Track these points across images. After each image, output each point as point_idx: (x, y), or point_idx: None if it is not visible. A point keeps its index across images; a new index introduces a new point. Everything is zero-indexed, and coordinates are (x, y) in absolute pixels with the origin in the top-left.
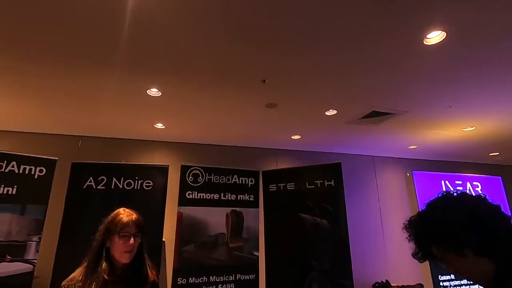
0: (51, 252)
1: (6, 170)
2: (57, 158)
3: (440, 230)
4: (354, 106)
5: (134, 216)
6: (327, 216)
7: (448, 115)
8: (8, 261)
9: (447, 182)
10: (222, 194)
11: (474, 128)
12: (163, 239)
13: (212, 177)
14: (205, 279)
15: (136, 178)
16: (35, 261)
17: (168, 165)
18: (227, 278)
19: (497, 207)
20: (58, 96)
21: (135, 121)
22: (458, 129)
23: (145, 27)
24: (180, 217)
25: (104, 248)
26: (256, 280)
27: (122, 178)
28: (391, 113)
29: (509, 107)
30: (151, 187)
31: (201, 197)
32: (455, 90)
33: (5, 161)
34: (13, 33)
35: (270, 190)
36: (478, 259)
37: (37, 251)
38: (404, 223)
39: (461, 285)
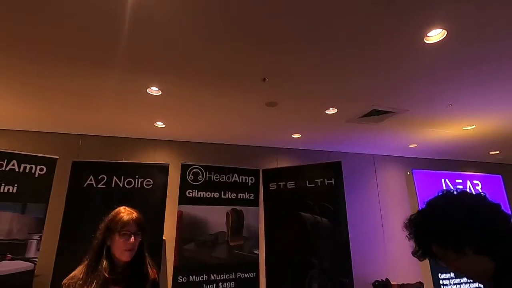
0: (51, 250)
1: (7, 169)
2: (57, 157)
3: (440, 228)
4: (355, 105)
5: (134, 214)
6: (327, 215)
7: (448, 113)
8: (9, 260)
9: (447, 180)
10: (222, 192)
11: (474, 126)
12: (164, 238)
13: (213, 176)
14: (206, 278)
15: (137, 176)
16: (36, 259)
17: (169, 164)
18: (227, 277)
19: (497, 206)
20: (58, 95)
21: (135, 120)
22: (458, 127)
23: (145, 26)
24: (180, 216)
25: (105, 246)
26: (256, 278)
27: (123, 177)
28: (391, 112)
29: (509, 106)
30: (151, 185)
31: (201, 196)
32: (455, 88)
33: (6, 160)
34: (13, 33)
35: (270, 188)
36: (478, 257)
37: (38, 250)
38: (404, 222)
39: (461, 283)
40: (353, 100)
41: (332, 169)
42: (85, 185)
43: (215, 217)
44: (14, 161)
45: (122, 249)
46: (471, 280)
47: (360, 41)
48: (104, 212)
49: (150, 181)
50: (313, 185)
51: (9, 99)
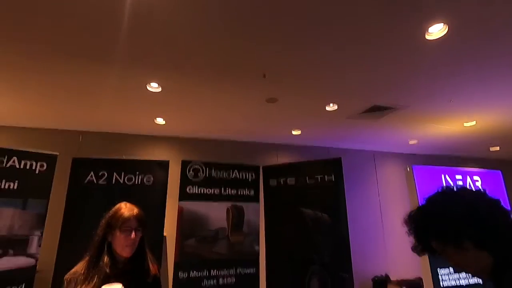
0: (53, 246)
1: (7, 166)
2: (57, 153)
3: (440, 224)
4: (355, 101)
5: (135, 210)
6: (328, 211)
7: (449, 109)
8: (11, 255)
9: (447, 176)
10: (222, 189)
11: (475, 122)
12: (164, 234)
13: (213, 172)
14: (206, 273)
15: (137, 173)
16: (37, 255)
17: (169, 160)
18: (228, 272)
19: (497, 202)
20: (59, 91)
21: (135, 116)
22: (459, 123)
23: (144, 22)
24: (181, 212)
25: (106, 242)
26: (256, 274)
27: (123, 173)
28: (392, 108)
29: (510, 101)
30: (151, 182)
31: (202, 192)
32: (456, 84)
33: (6, 156)
34: (13, 32)
35: (271, 185)
36: (477, 252)
37: (40, 246)
38: (404, 218)
39: (459, 278)
40: (353, 96)
41: (332, 165)
42: (85, 182)
43: (216, 213)
44: (15, 158)
45: (123, 245)
46: (470, 275)
47: (360, 37)
48: (105, 208)
49: (150, 178)
50: (313, 181)
51: (9, 96)
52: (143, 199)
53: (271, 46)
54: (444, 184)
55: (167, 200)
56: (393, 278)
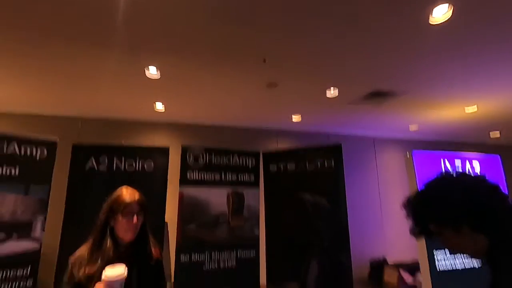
0: (56, 230)
1: (8, 152)
2: (57, 139)
3: (439, 208)
4: (356, 86)
5: (136, 195)
6: (327, 196)
7: (450, 94)
8: (15, 239)
9: (446, 161)
10: (223, 174)
11: (475, 107)
12: (166, 221)
13: (213, 158)
14: (208, 257)
15: (137, 159)
16: (41, 239)
17: (169, 147)
18: (228, 255)
19: (496, 187)
20: (58, 77)
21: (135, 101)
22: (460, 108)
23: (143, 8)
24: (181, 197)
25: (108, 226)
26: (257, 257)
27: (123, 160)
28: (392, 93)
29: None
30: (152, 168)
31: (202, 177)
32: (458, 69)
33: (6, 142)
34: (13, 19)
35: (271, 170)
36: (474, 235)
37: (43, 230)
38: (403, 201)
39: (456, 263)
40: (354, 81)
41: (332, 151)
42: (86, 168)
43: (216, 198)
44: (15, 143)
45: (125, 229)
46: (465, 260)
47: (361, 21)
48: (106, 194)
49: (151, 164)
50: (313, 167)
51: (8, 82)
52: (144, 185)
53: (271, 31)
54: (443, 169)
55: (167, 186)
56: (390, 261)
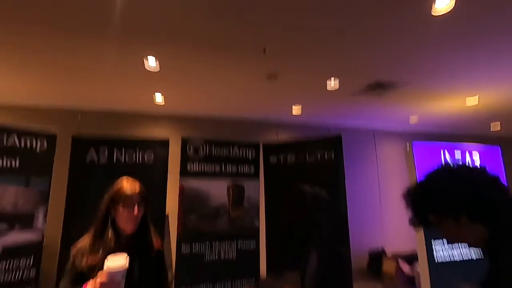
0: (58, 222)
1: (8, 144)
2: (56, 131)
3: (439, 199)
4: (357, 78)
5: (137, 186)
6: (327, 188)
7: (452, 86)
8: (18, 230)
9: (446, 152)
10: (223, 166)
11: (477, 98)
12: (166, 213)
13: (213, 149)
14: (208, 247)
15: (138, 151)
16: (43, 230)
17: (169, 138)
18: (229, 246)
19: (496, 178)
20: (58, 69)
21: (134, 93)
22: (461, 100)
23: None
24: (182, 189)
25: (110, 217)
26: (257, 248)
27: (124, 152)
28: (393, 85)
29: None
30: (152, 160)
31: (202, 169)
32: (460, 60)
33: (5, 134)
34: (13, 12)
35: (271, 162)
36: (473, 225)
37: (45, 221)
38: (403, 192)
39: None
40: (355, 72)
41: (333, 143)
42: (87, 161)
43: (216, 189)
44: (15, 135)
45: (126, 220)
46: (463, 252)
47: (363, 12)
48: (107, 185)
49: (151, 156)
50: (313, 158)
51: (8, 75)
52: (144, 177)
53: (271, 23)
54: (443, 161)
55: (168, 177)
56: (389, 252)
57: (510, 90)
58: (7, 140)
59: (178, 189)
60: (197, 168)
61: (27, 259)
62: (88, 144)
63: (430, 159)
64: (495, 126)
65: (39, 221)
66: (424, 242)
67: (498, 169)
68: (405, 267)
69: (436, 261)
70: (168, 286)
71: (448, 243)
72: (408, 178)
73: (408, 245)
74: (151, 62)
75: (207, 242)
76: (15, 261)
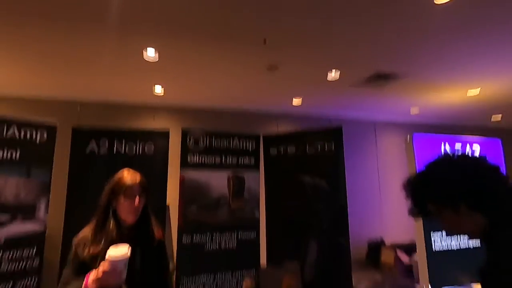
0: (60, 213)
1: (8, 136)
2: (56, 122)
3: (439, 188)
4: (358, 69)
5: (137, 177)
6: (327, 179)
7: (453, 77)
8: (20, 221)
9: (446, 144)
10: (223, 157)
11: (478, 89)
12: (167, 204)
13: (213, 141)
14: (209, 237)
15: (138, 143)
16: (45, 220)
17: (169, 130)
18: (229, 236)
19: (496, 168)
20: (58, 61)
21: (134, 84)
22: (463, 91)
23: None
24: (182, 180)
25: (111, 208)
26: (257, 239)
27: (124, 143)
28: (394, 76)
29: None
30: (152, 151)
31: (203, 161)
32: (462, 50)
33: (5, 125)
34: (13, 5)
35: (271, 153)
36: (472, 215)
37: (47, 212)
38: (403, 182)
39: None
40: (355, 63)
41: (333, 134)
42: (87, 152)
43: (217, 181)
44: (14, 126)
45: (127, 211)
46: (461, 240)
47: (364, 1)
48: (108, 177)
49: (151, 147)
50: (314, 150)
51: (8, 66)
52: (144, 169)
53: (271, 13)
54: (444, 152)
55: (168, 169)
56: (387, 242)
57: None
58: (7, 132)
59: (178, 180)
60: (198, 160)
61: (30, 249)
62: (88, 135)
63: (430, 151)
64: (496, 118)
65: (41, 212)
66: (423, 232)
67: (498, 161)
68: (404, 257)
69: (434, 251)
70: (170, 276)
71: (447, 235)
72: (408, 169)
73: (406, 235)
74: (150, 53)
75: (207, 233)
76: (18, 251)
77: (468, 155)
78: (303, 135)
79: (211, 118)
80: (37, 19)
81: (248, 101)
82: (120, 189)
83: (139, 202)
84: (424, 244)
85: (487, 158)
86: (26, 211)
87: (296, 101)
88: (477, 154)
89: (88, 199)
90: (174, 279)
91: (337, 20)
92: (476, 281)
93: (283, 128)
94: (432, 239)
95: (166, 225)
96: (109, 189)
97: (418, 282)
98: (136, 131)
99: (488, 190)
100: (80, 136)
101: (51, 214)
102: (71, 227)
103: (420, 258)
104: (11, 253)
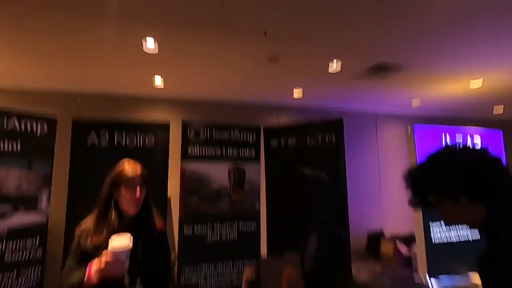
0: (61, 205)
1: (8, 127)
2: (56, 114)
3: (439, 178)
4: (359, 61)
5: (138, 168)
6: (327, 171)
7: (456, 68)
8: (23, 212)
9: (447, 135)
10: (223, 149)
11: (481, 80)
12: (168, 196)
13: (214, 133)
14: (210, 229)
15: (138, 134)
16: (48, 212)
17: (169, 122)
18: (230, 228)
19: (498, 159)
20: (57, 52)
21: (134, 76)
22: (465, 83)
23: None
24: (183, 172)
25: (112, 199)
26: (257, 230)
27: (124, 135)
28: (396, 67)
29: None
30: (153, 143)
31: (203, 153)
32: (465, 41)
33: (5, 117)
34: None
35: (271, 145)
36: (472, 205)
37: (49, 204)
38: (404, 173)
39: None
40: (357, 54)
41: (334, 126)
42: (88, 144)
43: (217, 173)
44: (14, 118)
45: (129, 202)
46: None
47: None
48: (109, 168)
49: (152, 139)
50: (314, 142)
51: (8, 59)
52: (145, 161)
53: (271, 4)
54: (444, 143)
55: (169, 161)
56: (387, 233)
57: None
58: (7, 124)
59: (179, 172)
60: (198, 152)
61: (33, 240)
62: (88, 127)
63: (431, 143)
64: (498, 110)
65: (43, 203)
66: (422, 223)
67: (499, 152)
68: (403, 248)
69: (433, 242)
70: (171, 266)
71: (446, 225)
72: (409, 161)
73: (406, 227)
74: (150, 44)
75: (208, 224)
76: (21, 242)
77: (469, 146)
78: (304, 127)
79: (211, 110)
80: (36, 9)
81: (248, 93)
82: (121, 180)
83: (140, 193)
84: (423, 235)
85: (488, 150)
86: (28, 202)
87: (297, 93)
88: (478, 145)
89: (90, 190)
90: (176, 269)
91: (337, 10)
92: (474, 271)
93: (284, 120)
94: (432, 230)
95: (168, 217)
96: (110, 181)
97: (416, 272)
98: (136, 123)
99: (488, 181)
100: (80, 128)
101: (53, 206)
102: (73, 219)
103: (419, 249)
104: (15, 243)
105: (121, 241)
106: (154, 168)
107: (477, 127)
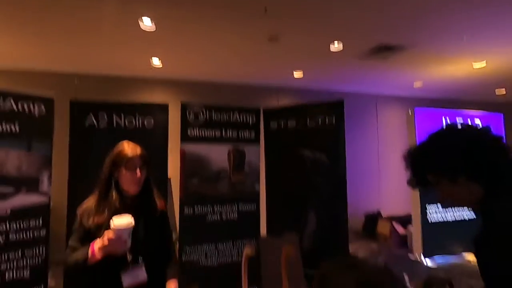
0: (63, 186)
1: (5, 108)
2: (53, 95)
3: (439, 157)
4: (361, 40)
5: (138, 149)
6: (327, 153)
7: (459, 49)
8: (24, 194)
9: (447, 118)
10: (223, 131)
11: (484, 62)
12: (169, 177)
13: (213, 115)
14: (210, 209)
15: (137, 116)
16: (49, 193)
17: (168, 104)
18: (230, 208)
19: (499, 138)
20: (53, 31)
21: (131, 56)
22: (468, 64)
23: None
24: (183, 154)
25: (113, 179)
26: (257, 211)
27: (123, 117)
28: (398, 47)
29: None
30: (152, 125)
31: (203, 134)
32: (469, 20)
33: (2, 98)
34: None
35: (271, 127)
36: (470, 185)
37: (50, 185)
38: (404, 152)
39: (446, 216)
40: (359, 34)
41: (334, 108)
42: (86, 125)
43: (217, 154)
44: (11, 99)
45: (130, 182)
46: (456, 210)
47: None
48: (108, 149)
49: (151, 121)
50: (314, 123)
51: (5, 39)
52: (145, 142)
53: None
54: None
55: (168, 143)
56: (384, 214)
57: None
58: (4, 104)
59: (179, 153)
60: (198, 133)
61: (36, 220)
62: (86, 108)
63: (431, 125)
64: (500, 92)
65: (44, 184)
66: (419, 204)
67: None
68: (399, 229)
69: (430, 221)
70: (173, 245)
71: (442, 207)
72: (408, 143)
73: (403, 208)
74: (147, 22)
75: (208, 205)
76: (24, 222)
77: (471, 125)
78: (303, 109)
79: (210, 91)
80: None
81: (248, 74)
82: (121, 161)
83: (140, 174)
84: (420, 215)
85: (490, 129)
86: (29, 183)
87: (297, 74)
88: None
89: (90, 171)
90: (177, 248)
91: None
92: (469, 251)
93: (284, 101)
94: (429, 211)
95: (168, 197)
96: (110, 161)
97: (411, 251)
98: (135, 104)
99: (488, 160)
100: (78, 109)
101: (54, 187)
102: (75, 199)
103: (415, 228)
104: (18, 223)
105: (122, 220)
106: (153, 149)
107: (478, 110)
